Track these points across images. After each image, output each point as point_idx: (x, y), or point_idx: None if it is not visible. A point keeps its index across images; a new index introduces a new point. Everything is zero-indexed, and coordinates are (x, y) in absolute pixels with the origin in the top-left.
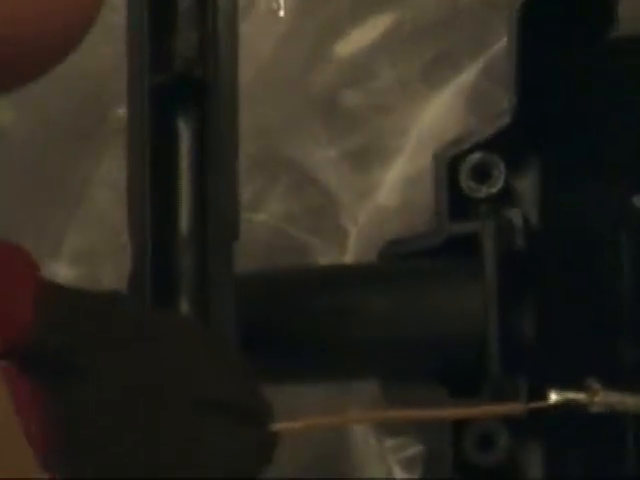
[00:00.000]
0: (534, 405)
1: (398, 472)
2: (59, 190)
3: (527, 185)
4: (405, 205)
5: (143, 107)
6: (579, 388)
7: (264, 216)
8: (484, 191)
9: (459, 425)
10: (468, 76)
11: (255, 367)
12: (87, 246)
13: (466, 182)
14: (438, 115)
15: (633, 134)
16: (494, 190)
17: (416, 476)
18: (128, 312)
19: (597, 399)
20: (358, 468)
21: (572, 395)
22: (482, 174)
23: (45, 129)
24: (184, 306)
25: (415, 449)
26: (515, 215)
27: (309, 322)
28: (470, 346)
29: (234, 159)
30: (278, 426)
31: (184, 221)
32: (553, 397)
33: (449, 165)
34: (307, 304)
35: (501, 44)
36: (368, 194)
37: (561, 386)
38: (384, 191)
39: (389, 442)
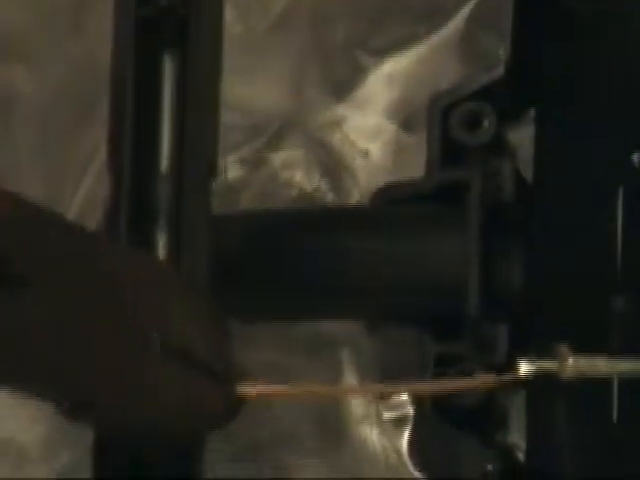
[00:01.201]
0: (505, 377)
1: (389, 429)
2: (71, 148)
3: (523, 138)
4: (400, 158)
5: (127, 40)
6: (550, 355)
7: (268, 171)
8: (475, 140)
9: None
10: (458, 23)
11: (243, 305)
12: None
13: (457, 131)
14: (429, 65)
15: (634, 90)
16: (485, 140)
17: (403, 434)
18: (96, 245)
19: (568, 366)
20: (353, 425)
21: (543, 364)
22: (473, 123)
23: (57, 95)
24: (159, 240)
25: (403, 412)
26: (505, 166)
27: (297, 262)
28: (452, 291)
29: (216, 97)
30: (244, 387)
31: (164, 156)
32: (523, 367)
33: (442, 114)
34: (297, 244)
35: None
36: (368, 150)
37: (545, 337)
38: (381, 146)
39: (382, 405)
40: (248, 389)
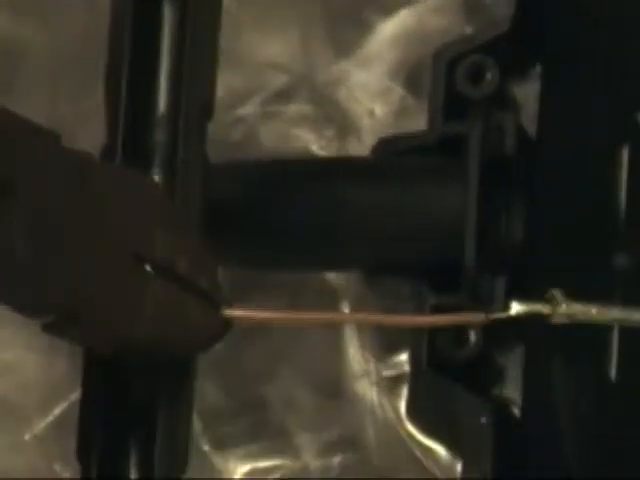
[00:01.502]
0: (496, 315)
1: (387, 387)
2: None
3: (528, 94)
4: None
5: None
6: (543, 298)
7: (274, 127)
8: (477, 93)
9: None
10: None
11: (239, 254)
12: None
13: (460, 83)
14: (433, 24)
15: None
16: (487, 92)
17: (401, 392)
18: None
19: (560, 310)
20: (351, 383)
21: (534, 306)
22: (476, 76)
23: (67, 52)
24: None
25: (401, 370)
26: (508, 119)
27: (298, 210)
28: (451, 242)
29: (214, 42)
30: (229, 311)
31: (160, 99)
32: (514, 307)
33: (446, 67)
34: (296, 194)
35: None
36: (374, 110)
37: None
38: (386, 106)
39: (383, 360)
40: (236, 311)
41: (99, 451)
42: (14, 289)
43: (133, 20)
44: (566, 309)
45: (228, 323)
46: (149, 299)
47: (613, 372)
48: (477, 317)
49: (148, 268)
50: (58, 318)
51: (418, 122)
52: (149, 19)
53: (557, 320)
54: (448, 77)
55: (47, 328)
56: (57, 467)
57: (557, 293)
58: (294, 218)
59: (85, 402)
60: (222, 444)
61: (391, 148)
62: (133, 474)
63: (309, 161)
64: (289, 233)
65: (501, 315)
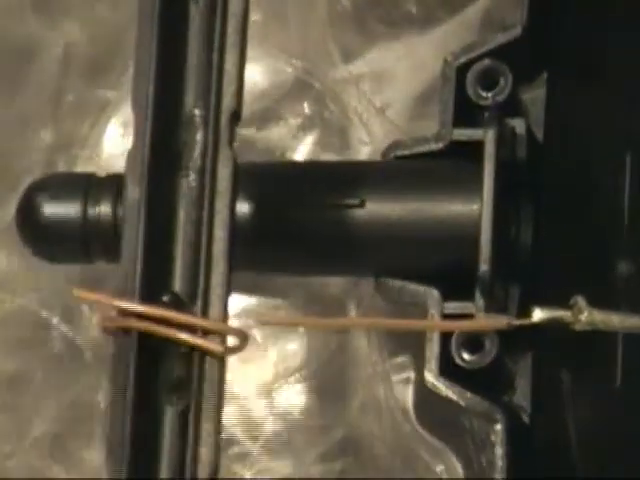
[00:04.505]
0: (518, 321)
1: (396, 389)
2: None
3: (536, 99)
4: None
5: None
6: (565, 305)
7: (281, 128)
8: (490, 99)
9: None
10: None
11: (248, 258)
12: None
13: (473, 89)
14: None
15: None
16: (500, 98)
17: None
18: None
19: (582, 317)
20: (360, 385)
21: (557, 313)
22: (489, 81)
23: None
24: (182, 183)
25: (410, 372)
26: (519, 125)
27: (310, 215)
28: (464, 248)
29: (242, 43)
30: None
31: (188, 101)
32: (537, 314)
33: (458, 71)
34: (310, 197)
35: None
36: (383, 110)
37: (552, 298)
38: (397, 106)
39: (391, 361)
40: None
41: (129, 452)
42: None
43: (160, 23)
44: (588, 317)
45: None
46: None
47: (620, 380)
48: (499, 323)
49: None
50: None
51: (430, 126)
52: (176, 22)
53: (579, 327)
54: (459, 82)
55: None
56: (57, 470)
57: (580, 300)
58: (302, 223)
59: (114, 403)
60: (224, 450)
61: (402, 152)
62: (164, 475)
63: (321, 164)
64: (301, 237)
65: (524, 322)
